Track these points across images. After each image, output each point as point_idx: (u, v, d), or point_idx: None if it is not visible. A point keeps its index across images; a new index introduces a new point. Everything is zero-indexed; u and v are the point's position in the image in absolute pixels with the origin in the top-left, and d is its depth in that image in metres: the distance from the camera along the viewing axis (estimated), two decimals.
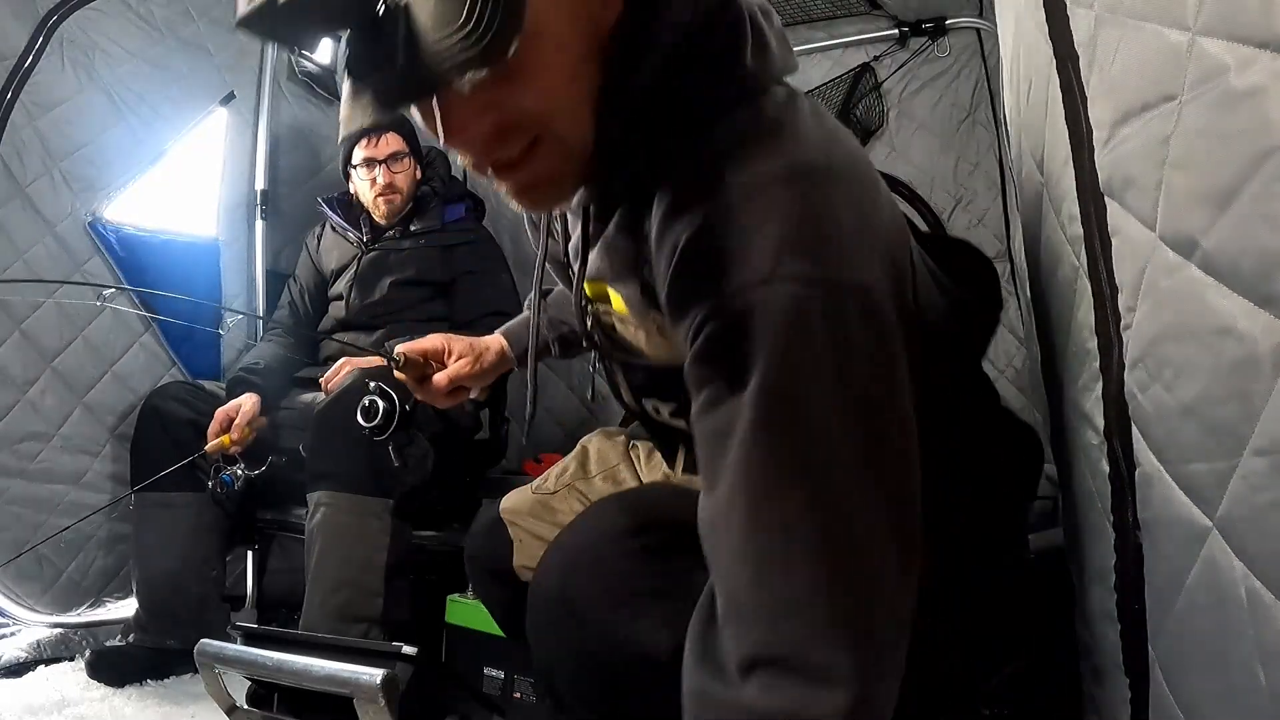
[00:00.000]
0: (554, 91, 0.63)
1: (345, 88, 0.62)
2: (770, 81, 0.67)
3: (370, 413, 1.33)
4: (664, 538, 0.74)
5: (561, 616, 0.76)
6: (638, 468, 1.10)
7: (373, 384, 1.34)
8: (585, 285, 0.80)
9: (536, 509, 1.08)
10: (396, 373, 1.06)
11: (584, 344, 0.88)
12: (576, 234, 0.79)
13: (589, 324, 0.84)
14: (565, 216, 0.85)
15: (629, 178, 0.68)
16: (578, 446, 1.17)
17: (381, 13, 0.57)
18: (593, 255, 0.76)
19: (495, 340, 1.16)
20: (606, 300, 0.79)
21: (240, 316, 2.35)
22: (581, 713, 0.79)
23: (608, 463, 1.13)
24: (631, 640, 0.71)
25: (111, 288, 1.92)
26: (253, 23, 0.57)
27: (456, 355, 1.10)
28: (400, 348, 1.06)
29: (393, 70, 0.58)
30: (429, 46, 0.56)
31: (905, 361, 0.58)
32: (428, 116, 0.63)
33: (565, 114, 0.64)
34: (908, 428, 0.58)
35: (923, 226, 2.41)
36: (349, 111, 0.62)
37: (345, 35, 0.61)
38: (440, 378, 1.07)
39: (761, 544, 0.55)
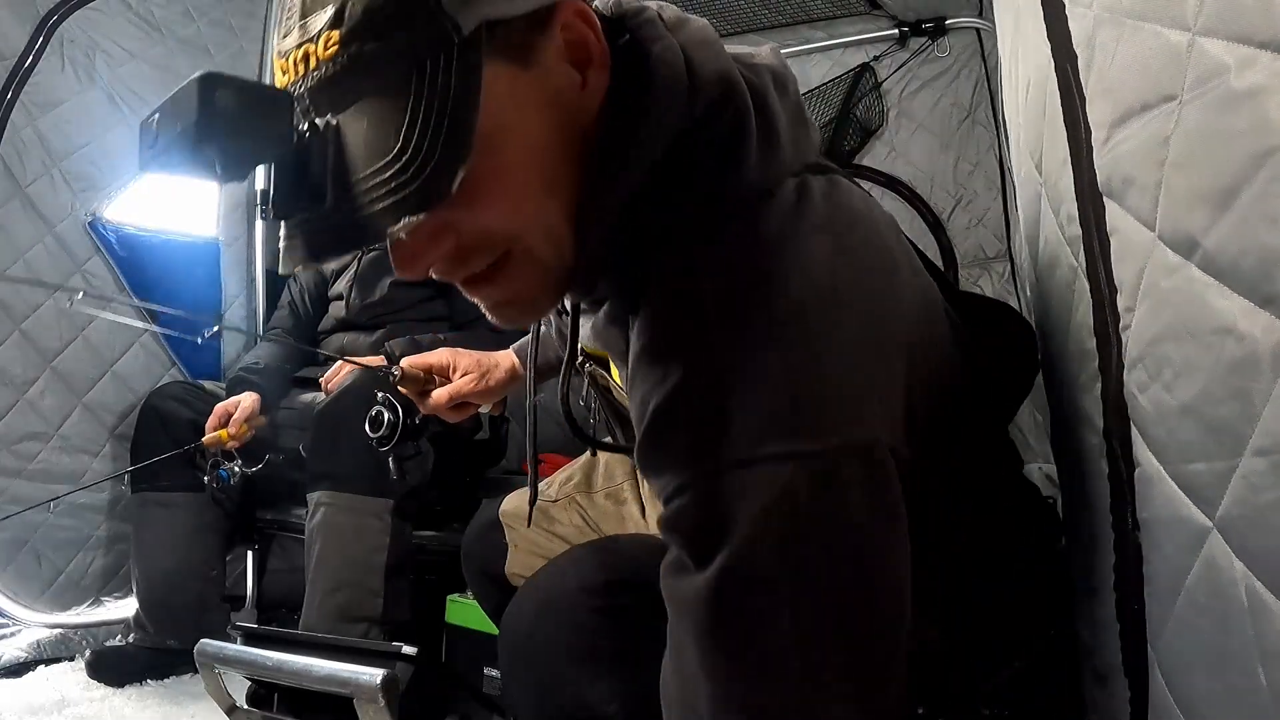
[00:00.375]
0: (523, 206, 0.54)
1: (282, 226, 0.54)
2: (779, 179, 0.58)
3: (377, 422, 1.32)
4: (635, 601, 0.71)
5: (528, 660, 0.77)
6: (642, 489, 1.09)
7: (380, 394, 1.34)
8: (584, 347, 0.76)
9: (535, 515, 1.08)
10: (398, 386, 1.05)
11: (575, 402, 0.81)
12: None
13: (584, 386, 0.83)
14: None
15: (614, 289, 0.61)
16: (587, 453, 1.16)
17: (307, 139, 0.50)
18: (587, 330, 0.69)
19: (506, 357, 1.12)
20: (605, 364, 0.78)
21: (240, 321, 2.35)
22: None
23: (614, 479, 1.12)
24: (585, 702, 0.72)
25: (81, 291, 1.89)
26: (153, 168, 0.50)
27: (462, 371, 1.07)
28: (405, 361, 1.05)
29: (320, 214, 0.50)
30: (359, 184, 0.48)
31: (903, 519, 0.52)
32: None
33: (539, 229, 0.56)
34: (895, 599, 0.52)
35: (924, 225, 2.41)
36: (285, 251, 0.53)
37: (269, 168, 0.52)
38: (441, 394, 1.04)
39: None
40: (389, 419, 1.31)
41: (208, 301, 2.27)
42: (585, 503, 1.11)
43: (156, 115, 0.49)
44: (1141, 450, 0.54)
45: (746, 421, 0.49)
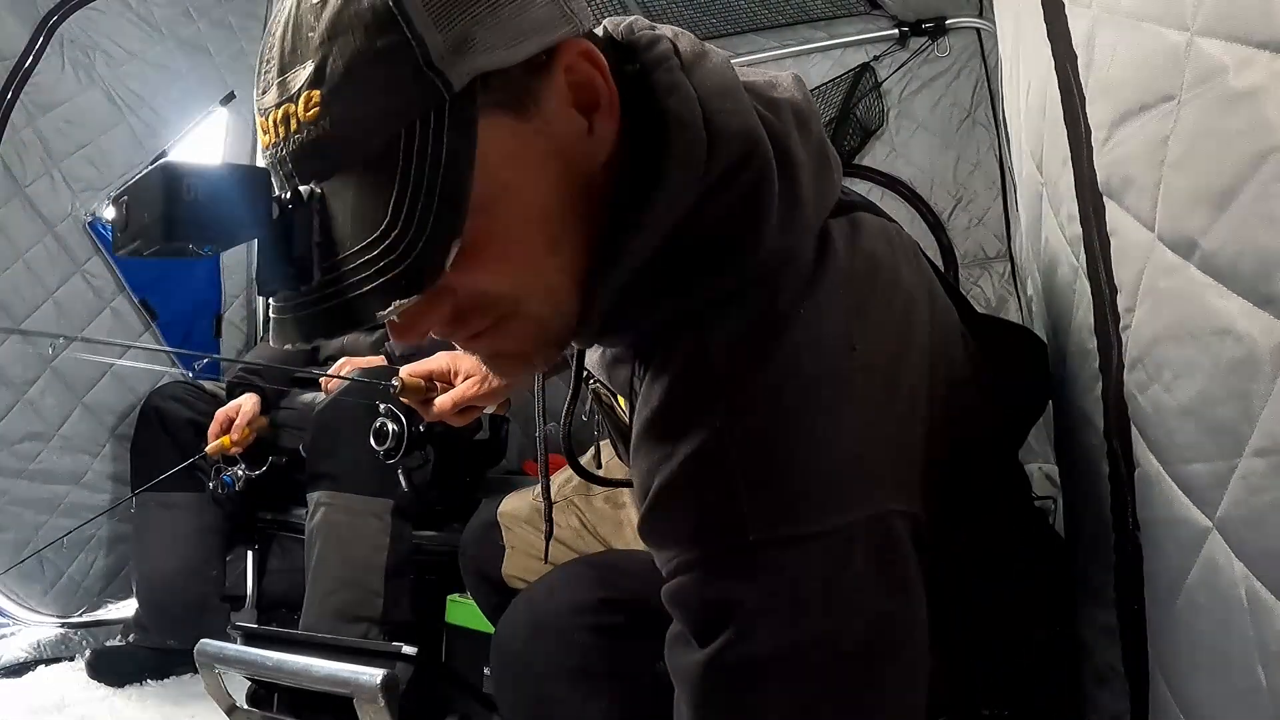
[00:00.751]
0: (523, 268, 0.51)
1: (274, 305, 0.50)
2: (801, 240, 0.54)
3: (382, 435, 1.32)
4: (629, 619, 0.72)
5: (521, 675, 0.77)
6: None
7: (383, 406, 1.33)
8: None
9: (534, 517, 1.08)
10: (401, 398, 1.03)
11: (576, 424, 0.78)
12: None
13: (588, 400, 0.80)
14: None
15: (623, 344, 0.60)
16: (589, 453, 1.15)
17: (290, 209, 0.46)
18: (594, 360, 0.68)
19: None
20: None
21: (241, 321, 2.35)
22: None
23: None
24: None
25: (65, 338, 1.81)
26: (127, 254, 0.46)
27: (463, 375, 1.02)
28: (404, 370, 1.02)
29: (306, 291, 0.46)
30: (346, 262, 0.45)
31: (917, 589, 0.52)
32: None
33: (539, 290, 0.52)
34: (907, 676, 0.52)
35: (924, 225, 2.41)
36: (274, 326, 0.50)
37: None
38: (445, 400, 1.00)
39: None
40: (393, 430, 1.30)
41: (207, 302, 2.27)
42: (583, 505, 1.11)
43: (125, 198, 0.45)
44: (1141, 450, 0.54)
45: (754, 504, 0.47)
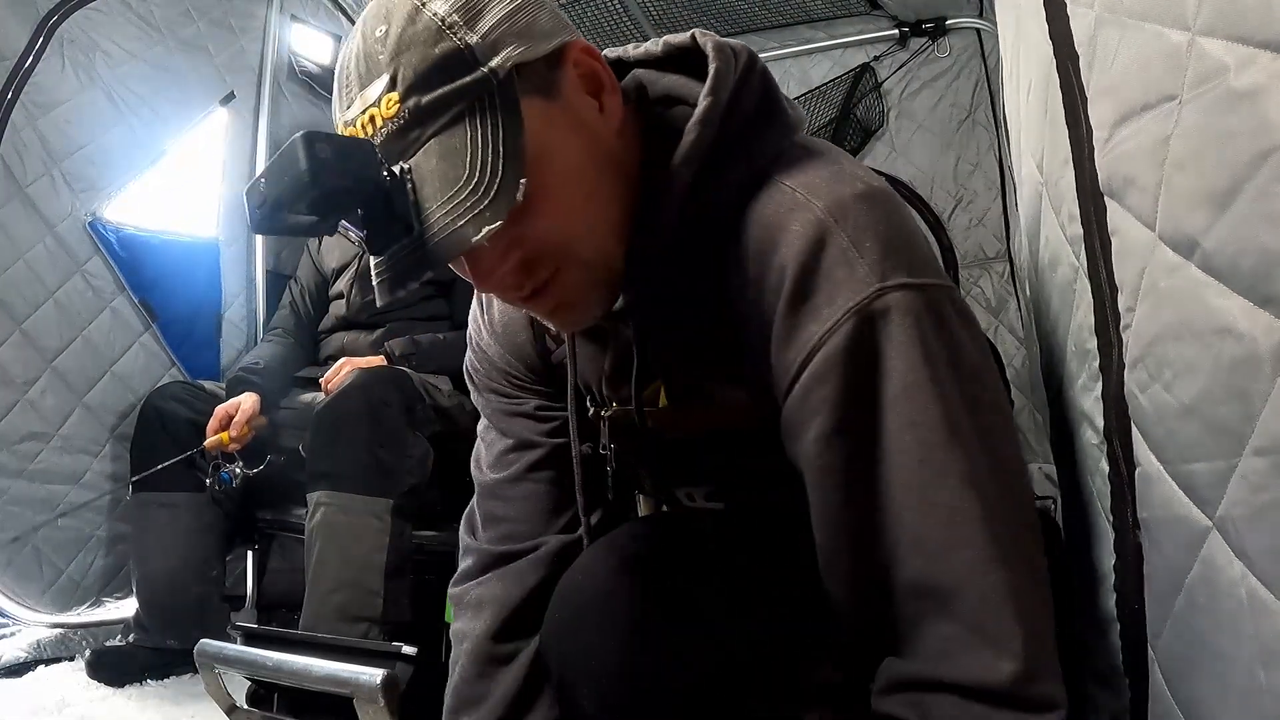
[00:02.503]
0: (572, 215, 0.63)
1: (372, 261, 0.63)
2: (799, 129, 0.70)
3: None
4: (720, 567, 0.74)
5: (604, 617, 0.70)
6: (642, 507, 1.08)
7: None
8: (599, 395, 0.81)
9: None
10: None
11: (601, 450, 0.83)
12: (613, 346, 0.77)
13: (605, 437, 0.82)
14: (571, 344, 0.80)
15: (689, 252, 0.67)
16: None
17: (388, 184, 0.58)
18: (592, 374, 0.76)
19: None
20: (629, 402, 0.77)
21: (241, 321, 2.34)
22: None
23: None
24: (679, 658, 0.68)
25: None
26: (263, 227, 0.58)
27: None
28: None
29: (411, 242, 0.58)
30: (439, 210, 0.57)
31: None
32: (457, 265, 0.64)
33: (585, 237, 0.64)
34: (1009, 419, 0.63)
35: (924, 226, 2.41)
36: (379, 285, 0.62)
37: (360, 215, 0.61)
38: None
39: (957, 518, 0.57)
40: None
41: (207, 302, 2.27)
42: None
43: (263, 179, 0.57)
44: (1142, 450, 0.54)
45: (870, 260, 0.58)
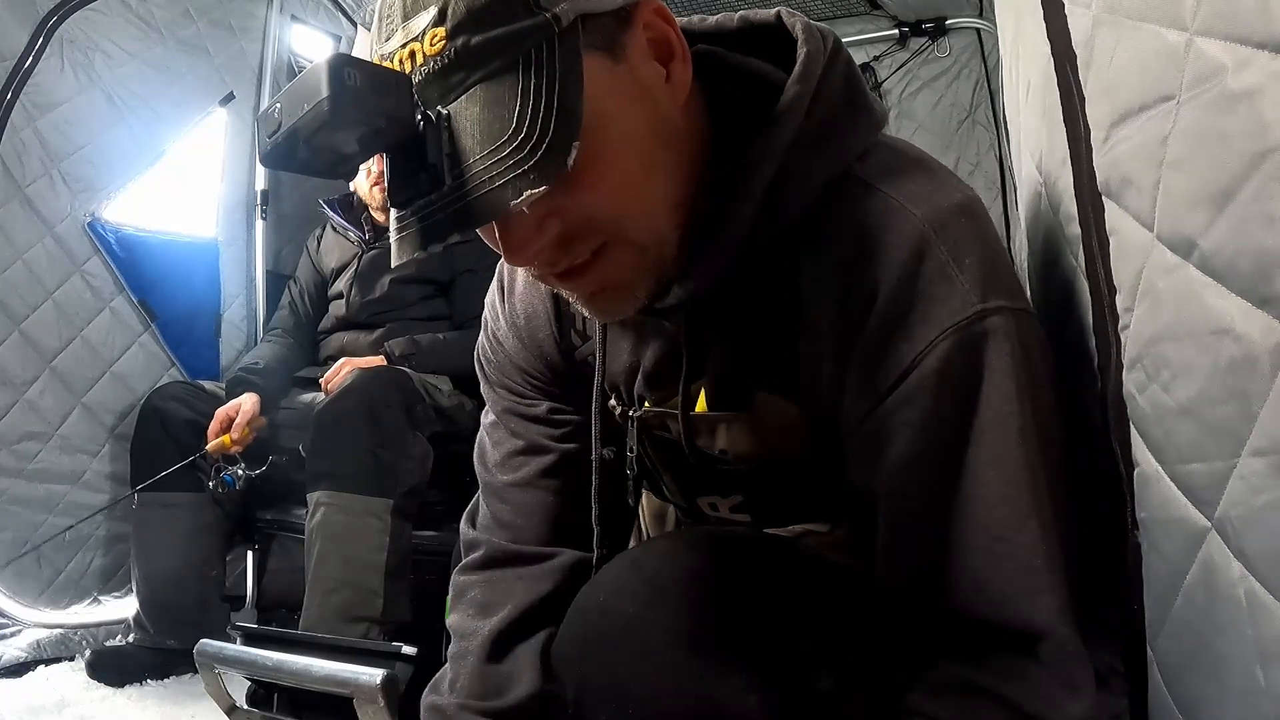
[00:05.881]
0: (626, 191, 0.57)
1: (392, 215, 0.57)
2: (883, 125, 0.66)
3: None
4: (764, 593, 0.67)
5: (630, 647, 0.64)
6: (645, 512, 1.02)
7: None
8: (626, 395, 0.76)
9: None
10: None
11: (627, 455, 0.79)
12: (655, 343, 0.72)
13: (631, 438, 0.77)
14: (602, 341, 0.76)
15: (762, 251, 0.62)
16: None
17: (421, 129, 0.52)
18: (622, 371, 0.73)
19: None
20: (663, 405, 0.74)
21: (241, 320, 2.34)
22: None
23: None
24: (716, 696, 0.62)
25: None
26: (274, 159, 0.51)
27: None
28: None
29: (439, 197, 0.52)
30: (476, 165, 0.51)
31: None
32: (486, 233, 0.58)
33: (638, 214, 0.58)
34: (1066, 463, 0.60)
35: None
36: (397, 244, 0.56)
37: (386, 160, 0.54)
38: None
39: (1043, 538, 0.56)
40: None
41: (207, 302, 2.27)
42: None
43: (279, 103, 0.49)
44: (1140, 450, 0.54)
45: (968, 280, 0.56)
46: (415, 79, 0.52)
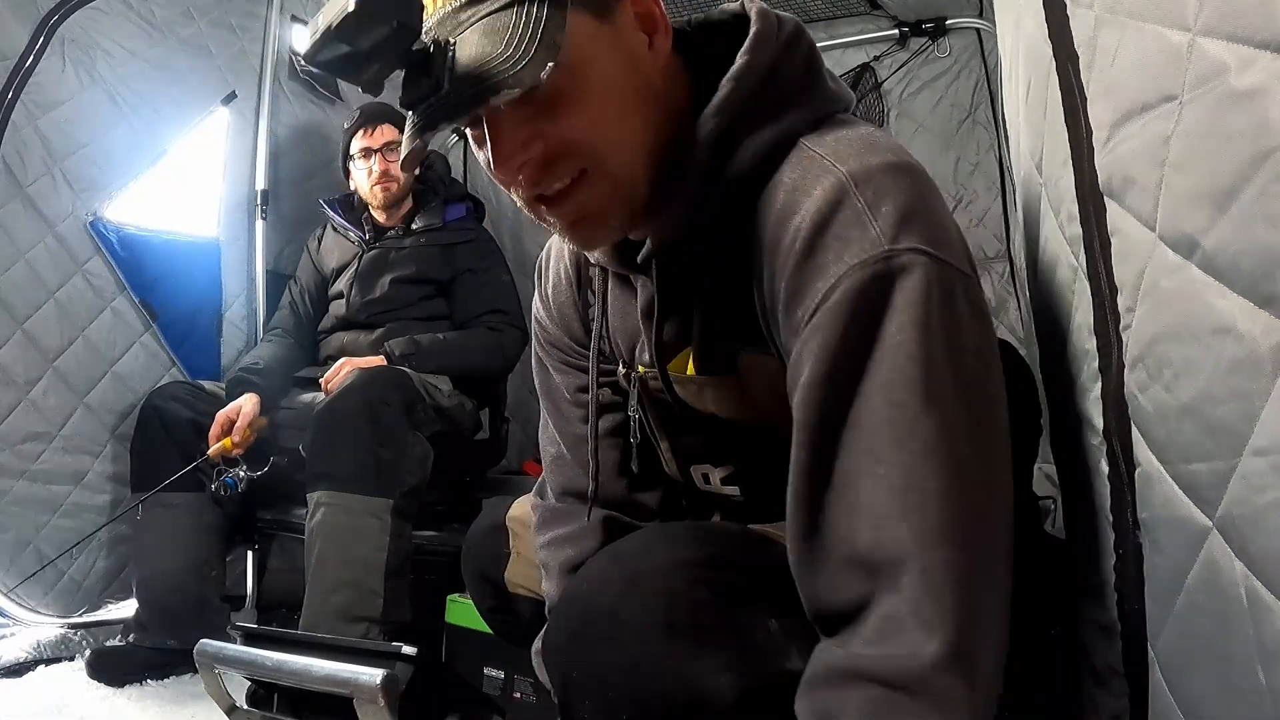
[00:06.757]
0: (600, 124, 0.66)
1: (407, 121, 0.68)
2: (841, 106, 0.72)
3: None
4: (737, 579, 0.71)
5: (613, 638, 0.68)
6: None
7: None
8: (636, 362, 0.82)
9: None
10: None
11: (629, 418, 0.86)
12: (640, 299, 0.79)
13: (633, 399, 0.84)
14: (603, 301, 0.84)
15: (714, 206, 0.69)
16: None
17: (431, 51, 0.64)
18: (622, 326, 0.79)
19: None
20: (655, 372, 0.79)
21: (241, 320, 2.34)
22: None
23: None
24: (690, 677, 0.65)
25: None
26: (311, 53, 0.63)
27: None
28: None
29: (438, 99, 0.63)
30: (471, 73, 0.62)
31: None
32: (480, 144, 0.67)
33: (614, 149, 0.67)
34: (1004, 423, 0.61)
35: None
36: (410, 135, 0.67)
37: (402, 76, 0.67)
38: None
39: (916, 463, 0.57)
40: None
41: (208, 302, 2.27)
42: None
43: (320, 12, 0.61)
44: (1142, 450, 0.54)
45: (885, 222, 0.59)
46: (434, 19, 0.64)
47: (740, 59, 0.68)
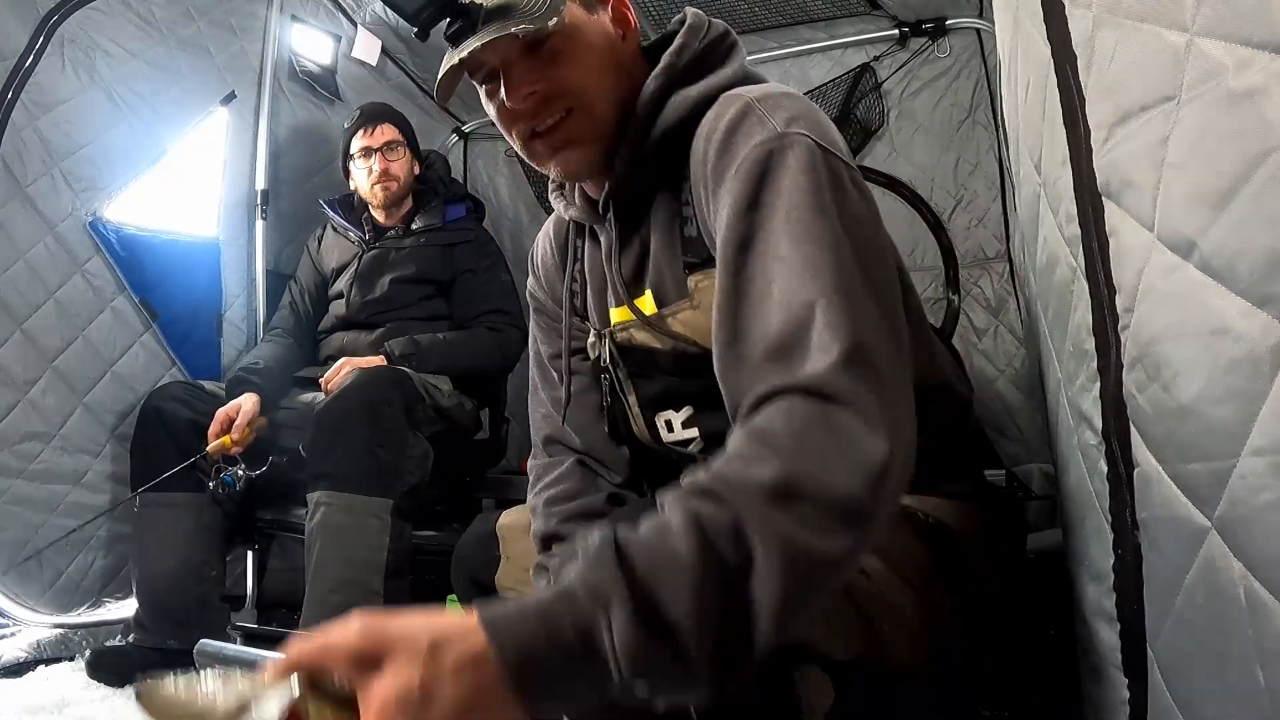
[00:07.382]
0: (588, 76, 0.86)
1: (446, 54, 0.86)
2: (758, 79, 0.88)
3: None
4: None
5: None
6: None
7: None
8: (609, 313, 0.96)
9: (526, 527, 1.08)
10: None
11: (599, 376, 0.99)
12: (603, 246, 0.94)
13: (604, 355, 0.96)
14: (577, 261, 1.02)
15: (656, 146, 0.86)
16: None
17: (466, 10, 0.84)
18: (627, 263, 0.92)
19: None
20: (626, 322, 0.93)
21: (241, 320, 2.34)
22: None
23: None
24: None
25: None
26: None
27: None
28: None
29: (475, 38, 0.83)
30: (498, 20, 0.82)
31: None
32: (492, 96, 0.87)
33: (593, 96, 0.86)
34: (892, 271, 0.72)
35: (924, 226, 2.42)
36: (447, 63, 0.85)
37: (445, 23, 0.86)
38: None
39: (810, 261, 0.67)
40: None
41: (208, 301, 2.27)
42: None
43: None
44: (1140, 450, 0.54)
45: (779, 118, 0.74)
46: None
47: (677, 41, 0.89)
